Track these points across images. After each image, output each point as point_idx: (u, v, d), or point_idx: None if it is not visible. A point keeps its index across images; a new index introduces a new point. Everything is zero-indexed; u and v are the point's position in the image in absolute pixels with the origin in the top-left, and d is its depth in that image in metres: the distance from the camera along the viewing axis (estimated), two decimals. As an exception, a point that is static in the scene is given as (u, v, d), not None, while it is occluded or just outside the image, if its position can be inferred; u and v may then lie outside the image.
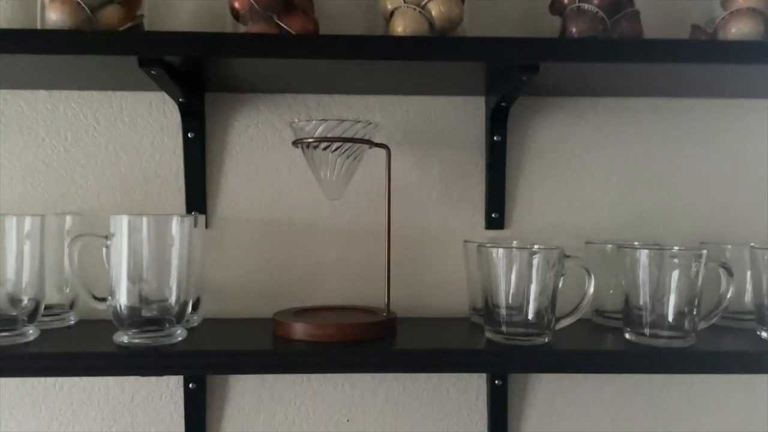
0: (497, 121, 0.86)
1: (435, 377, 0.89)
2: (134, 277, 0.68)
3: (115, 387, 0.86)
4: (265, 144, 0.87)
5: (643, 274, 0.71)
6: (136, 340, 0.68)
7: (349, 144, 0.74)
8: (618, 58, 0.69)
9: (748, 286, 0.78)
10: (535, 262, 0.70)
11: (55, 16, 0.70)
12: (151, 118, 0.86)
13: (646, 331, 0.71)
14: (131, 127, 0.86)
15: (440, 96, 0.88)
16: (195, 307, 0.78)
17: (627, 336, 0.73)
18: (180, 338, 0.71)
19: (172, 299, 0.69)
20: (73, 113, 0.85)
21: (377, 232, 0.88)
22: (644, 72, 0.75)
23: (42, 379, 0.85)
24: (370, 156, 0.84)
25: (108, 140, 0.86)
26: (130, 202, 0.86)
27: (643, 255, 0.71)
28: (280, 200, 0.87)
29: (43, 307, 0.72)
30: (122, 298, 0.68)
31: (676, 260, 0.70)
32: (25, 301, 0.69)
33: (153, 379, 0.86)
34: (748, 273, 0.77)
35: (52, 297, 0.77)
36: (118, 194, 0.86)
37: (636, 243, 0.81)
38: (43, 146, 0.85)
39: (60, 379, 0.86)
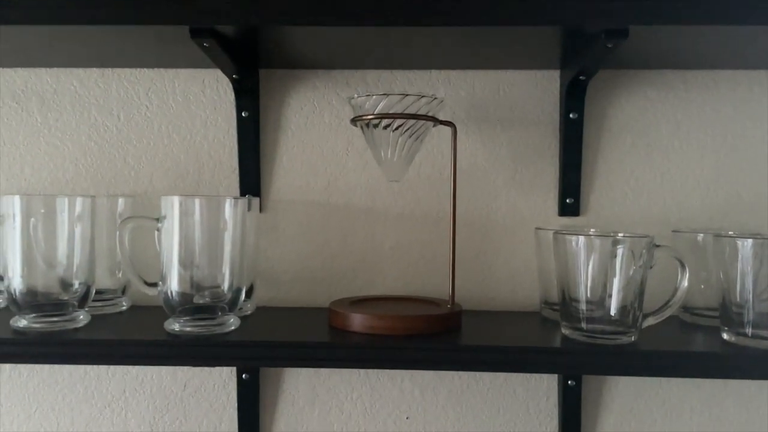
0: (574, 97, 0.79)
1: (501, 375, 0.83)
2: (186, 262, 0.65)
3: (167, 375, 0.84)
4: (321, 123, 0.83)
5: (743, 267, 0.63)
6: (188, 329, 0.65)
7: (411, 121, 0.68)
8: (722, 19, 0.61)
9: None
10: (619, 251, 0.63)
11: (104, -13, 0.67)
12: (204, 97, 0.83)
13: (748, 330, 0.63)
14: (184, 107, 0.83)
15: (509, 69, 0.82)
16: (248, 294, 0.75)
17: (725, 336, 0.65)
18: (233, 327, 0.67)
19: (225, 286, 0.66)
20: (126, 92, 0.83)
21: (440, 217, 0.82)
22: (752, 37, 0.66)
23: (95, 366, 0.84)
24: (433, 135, 0.78)
25: (161, 120, 0.83)
26: (183, 183, 0.83)
27: (746, 245, 0.63)
28: (338, 182, 0.83)
29: (93, 291, 0.70)
30: (173, 284, 0.65)
31: (784, 252, 0.62)
32: (76, 285, 0.67)
33: (206, 368, 0.84)
34: None
35: (103, 281, 0.75)
36: (170, 176, 0.83)
37: (730, 232, 0.73)
38: (96, 126, 0.83)
39: (112, 366, 0.84)
